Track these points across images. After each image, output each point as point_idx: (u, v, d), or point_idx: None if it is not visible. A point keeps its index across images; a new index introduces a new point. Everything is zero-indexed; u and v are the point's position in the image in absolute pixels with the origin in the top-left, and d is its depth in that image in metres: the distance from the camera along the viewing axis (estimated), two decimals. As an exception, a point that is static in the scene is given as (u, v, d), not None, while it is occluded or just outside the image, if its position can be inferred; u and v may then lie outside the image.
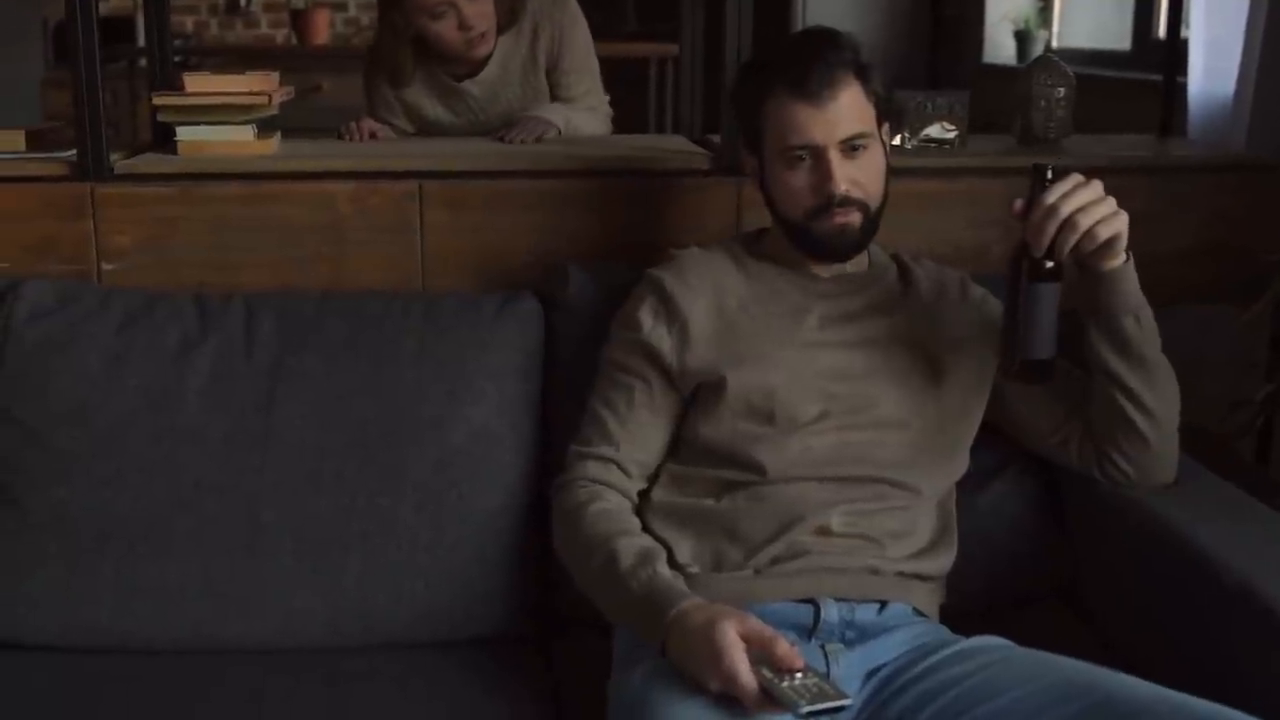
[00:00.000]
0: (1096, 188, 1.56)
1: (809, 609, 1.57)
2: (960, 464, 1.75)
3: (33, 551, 1.74)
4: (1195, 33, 3.06)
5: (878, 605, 1.60)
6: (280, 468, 1.77)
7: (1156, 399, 1.66)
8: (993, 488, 1.83)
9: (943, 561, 1.69)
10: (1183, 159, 2.38)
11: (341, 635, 1.75)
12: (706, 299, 1.73)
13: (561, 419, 1.84)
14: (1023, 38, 4.81)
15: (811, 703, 1.27)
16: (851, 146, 1.67)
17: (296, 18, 5.78)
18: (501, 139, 2.37)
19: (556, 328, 1.91)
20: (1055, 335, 1.59)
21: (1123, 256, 1.60)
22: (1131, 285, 1.63)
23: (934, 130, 2.26)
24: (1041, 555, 1.83)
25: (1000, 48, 4.97)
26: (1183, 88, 3.29)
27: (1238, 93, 3.11)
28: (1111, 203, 1.56)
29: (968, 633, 1.59)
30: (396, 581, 1.75)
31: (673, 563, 1.60)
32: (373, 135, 2.50)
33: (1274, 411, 2.17)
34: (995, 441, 1.81)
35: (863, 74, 1.70)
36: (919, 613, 1.63)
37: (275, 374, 1.82)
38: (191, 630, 1.74)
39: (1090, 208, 1.54)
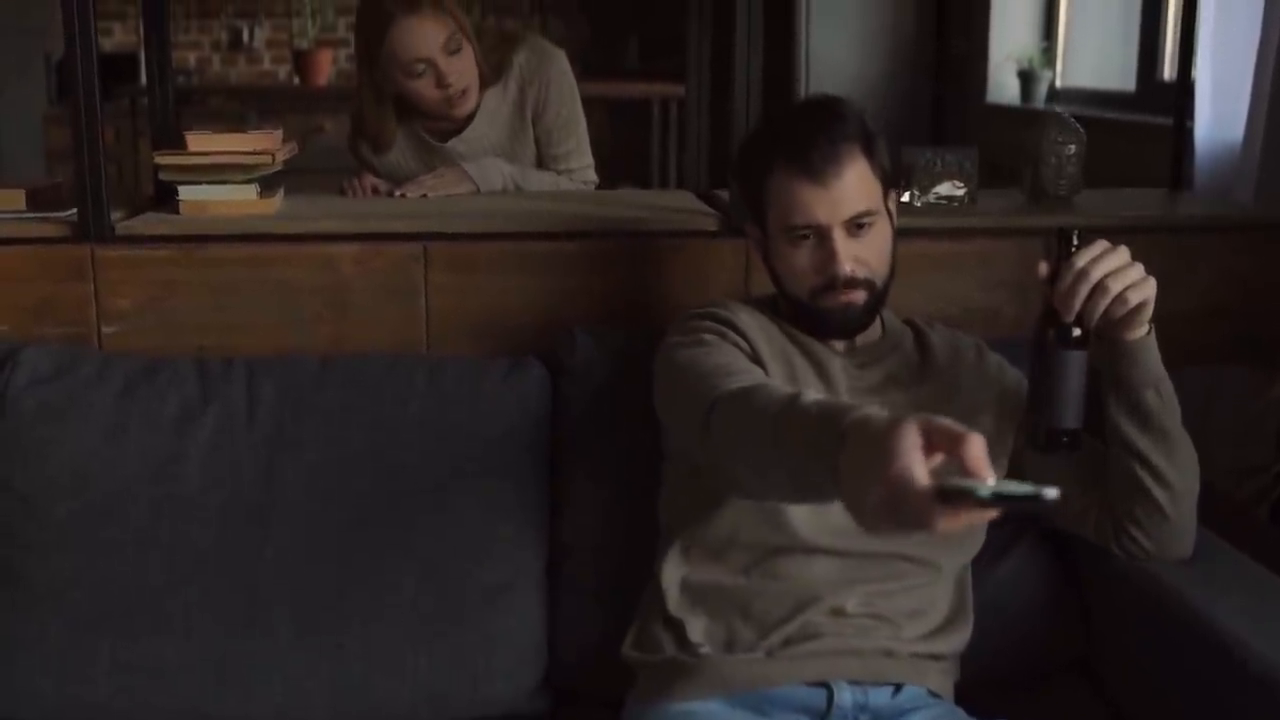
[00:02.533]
0: (1124, 253, 1.52)
1: (822, 692, 1.54)
2: (979, 537, 1.72)
3: (31, 625, 1.71)
4: (1202, 76, 3.04)
5: (892, 688, 1.57)
6: (280, 540, 1.75)
7: (1176, 472, 1.63)
8: (1007, 561, 1.80)
9: (958, 639, 1.66)
10: (1194, 218, 2.35)
11: (343, 715, 1.72)
12: (766, 344, 1.69)
13: (569, 488, 1.81)
14: (1027, 77, 4.80)
15: (1001, 486, 1.02)
16: (857, 225, 1.65)
17: (299, 58, 5.78)
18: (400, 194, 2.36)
19: (563, 394, 1.88)
20: (1083, 404, 1.56)
21: (1146, 327, 1.58)
22: (1153, 356, 1.60)
23: (944, 188, 2.24)
24: (1057, 629, 1.79)
25: (1004, 87, 4.96)
26: (1189, 132, 3.28)
27: (1246, 139, 3.09)
28: (1139, 268, 1.52)
29: (982, 711, 1.56)
30: (400, 659, 1.72)
31: (684, 641, 1.57)
32: (374, 190, 2.47)
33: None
34: (1010, 513, 1.77)
35: (868, 147, 1.67)
36: (934, 694, 1.60)
37: (276, 442, 1.80)
38: (190, 709, 1.71)
39: (1120, 272, 1.51)
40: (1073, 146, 2.30)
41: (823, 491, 1.18)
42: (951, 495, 1.02)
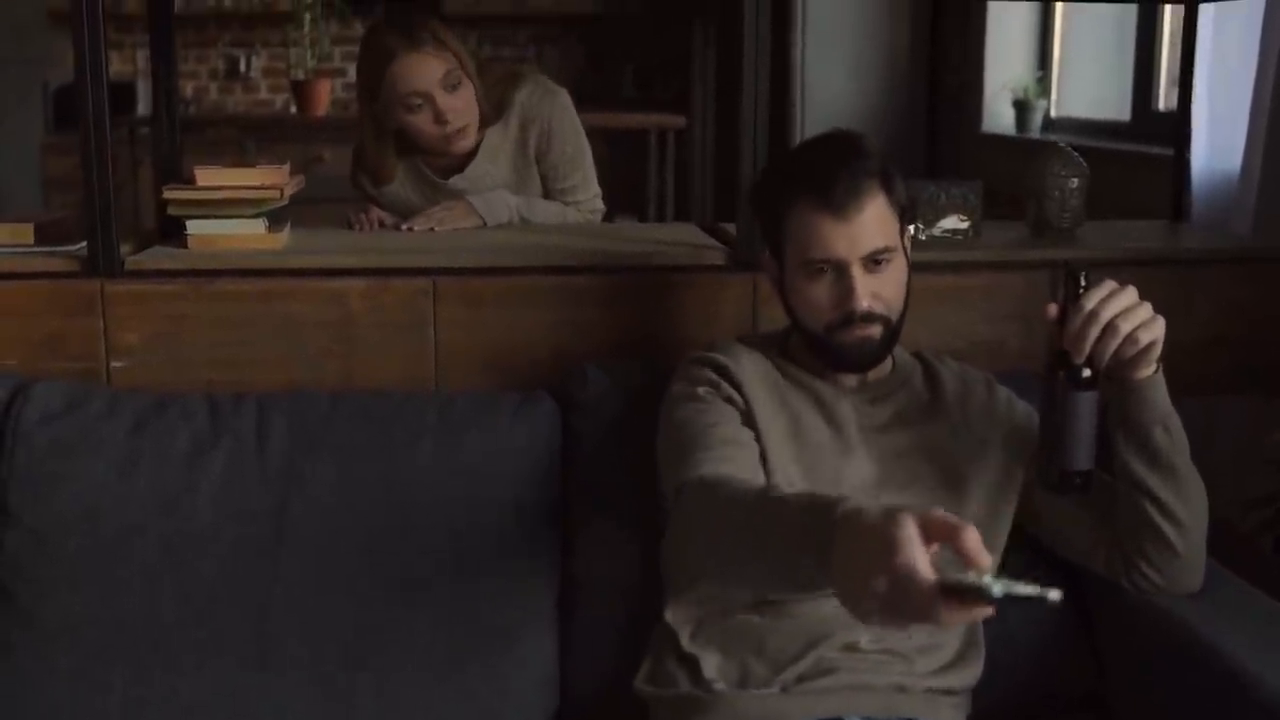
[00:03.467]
0: (1132, 293, 1.53)
1: (838, 729, 1.55)
2: (993, 570, 1.72)
3: (43, 662, 1.71)
4: (1198, 107, 3.06)
5: (906, 724, 1.57)
6: (292, 578, 1.75)
7: (1185, 508, 1.64)
8: (1017, 595, 1.79)
9: (970, 674, 1.67)
10: (1195, 250, 2.36)
11: (357, 753, 1.72)
12: (764, 395, 1.70)
13: (581, 525, 1.81)
14: (1022, 107, 4.83)
15: (1008, 586, 1.04)
16: (875, 261, 1.65)
17: (298, 88, 5.80)
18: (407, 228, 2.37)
19: (574, 429, 1.88)
20: (1095, 445, 1.56)
21: (1154, 365, 1.58)
22: (1161, 394, 1.61)
23: (948, 222, 2.26)
24: (1068, 664, 1.79)
25: (999, 116, 4.98)
26: (1187, 163, 3.30)
27: (1244, 170, 3.12)
28: (1148, 307, 1.53)
29: (994, 746, 1.57)
30: (413, 699, 1.72)
31: (699, 677, 1.57)
32: (380, 224, 2.48)
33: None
34: (1021, 546, 1.78)
35: (888, 184, 1.68)
36: (947, 729, 1.60)
37: (287, 479, 1.80)
38: (202, 747, 1.71)
39: (1129, 312, 1.52)
40: (1075, 180, 2.32)
41: (812, 583, 1.20)
42: (957, 590, 1.04)
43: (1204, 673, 1.58)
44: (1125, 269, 1.58)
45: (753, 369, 1.72)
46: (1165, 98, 4.18)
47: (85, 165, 1.98)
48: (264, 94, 6.31)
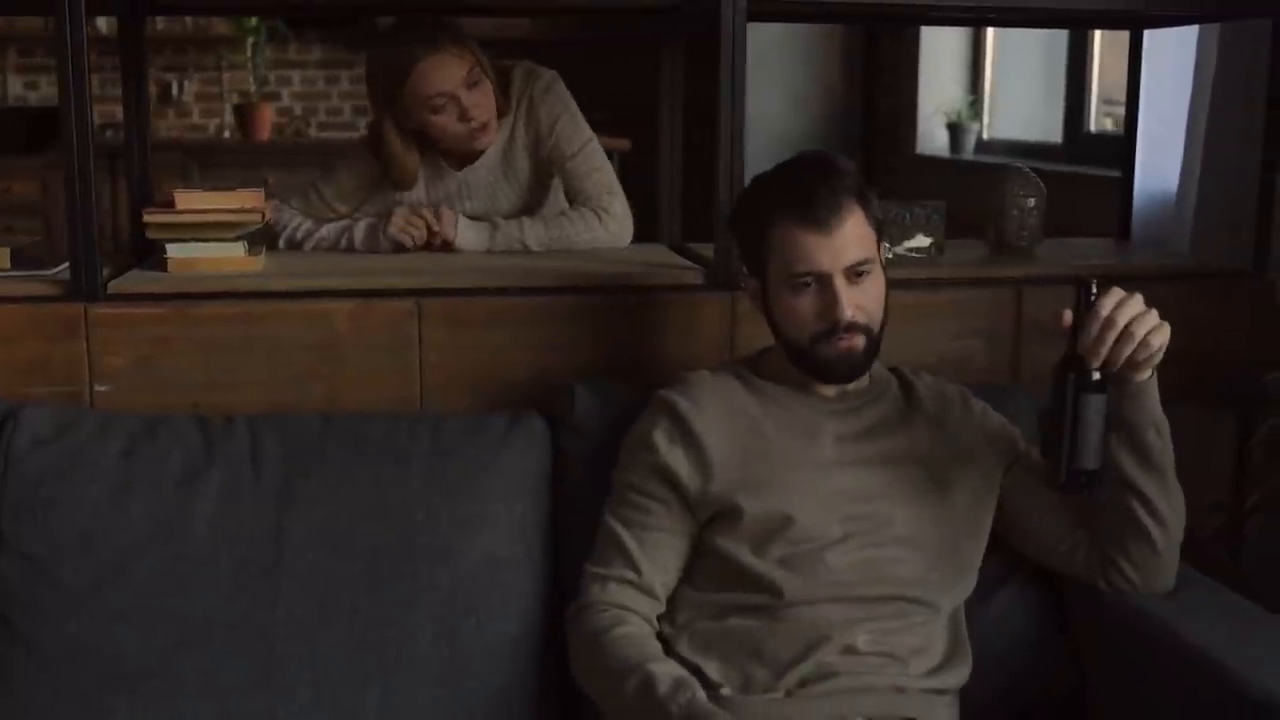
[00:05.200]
0: (1140, 300, 1.61)
1: (840, 729, 1.59)
2: (973, 577, 1.79)
3: (42, 690, 1.71)
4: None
5: (905, 723, 1.62)
6: (292, 599, 1.76)
7: (1170, 509, 1.72)
8: (998, 598, 1.86)
9: (959, 674, 1.72)
10: (1147, 267, 2.45)
11: (365, 771, 1.73)
12: (721, 422, 1.75)
13: (572, 542, 1.84)
14: (955, 129, 4.96)
15: None
16: (856, 273, 1.72)
17: (240, 112, 5.78)
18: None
19: (563, 448, 1.92)
20: (1103, 445, 1.64)
21: (1151, 370, 1.66)
22: (1154, 398, 1.68)
23: (913, 241, 2.33)
24: (1049, 664, 1.85)
25: (933, 139, 5.11)
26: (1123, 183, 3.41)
27: (1180, 191, 3.24)
28: (1155, 313, 1.62)
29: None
30: (419, 714, 1.74)
31: (705, 683, 1.61)
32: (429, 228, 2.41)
33: (1253, 515, 2.24)
34: (998, 552, 1.84)
35: (863, 200, 1.74)
36: (943, 729, 1.66)
37: (283, 500, 1.81)
38: (210, 767, 1.71)
39: (1141, 318, 1.60)
40: (1033, 200, 2.40)
41: None
42: None
43: (1188, 670, 1.64)
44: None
45: (715, 402, 1.77)
46: (1096, 120, 4.31)
47: (69, 190, 1.98)
48: (197, 118, 6.26)
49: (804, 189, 1.71)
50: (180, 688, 1.71)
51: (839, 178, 1.73)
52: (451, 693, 1.75)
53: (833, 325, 1.71)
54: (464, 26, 2.48)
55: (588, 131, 2.54)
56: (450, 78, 2.40)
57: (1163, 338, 1.61)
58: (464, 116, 2.43)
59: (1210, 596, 1.80)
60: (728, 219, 1.91)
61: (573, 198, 2.52)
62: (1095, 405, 1.62)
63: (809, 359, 1.75)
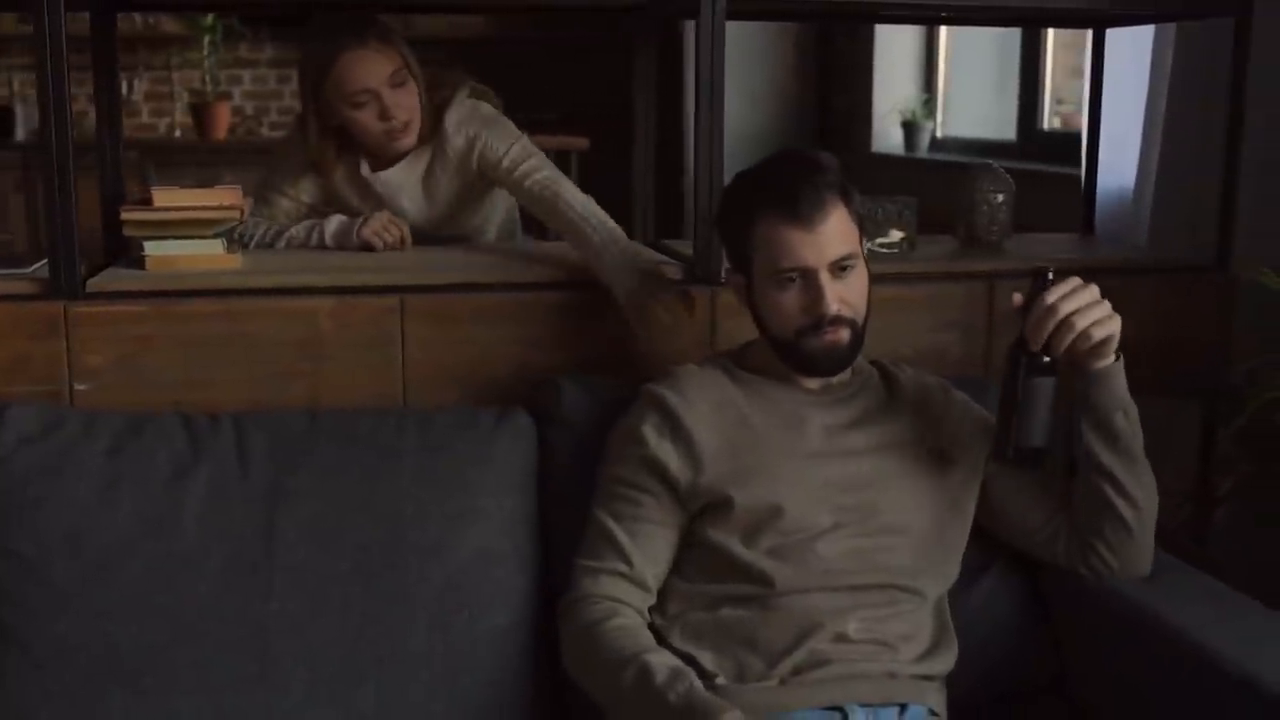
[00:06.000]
0: (1093, 291, 1.65)
1: (836, 716, 1.62)
2: (957, 565, 1.82)
3: (34, 690, 1.69)
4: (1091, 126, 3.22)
5: (898, 709, 1.65)
6: (284, 595, 1.76)
7: (1141, 490, 1.76)
8: (980, 586, 1.89)
9: (946, 660, 1.75)
10: (1112, 260, 2.50)
11: (361, 766, 1.73)
12: (709, 414, 1.77)
13: (560, 536, 1.86)
14: (910, 128, 5.01)
15: None
16: (840, 267, 1.74)
17: (197, 111, 5.73)
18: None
19: (550, 443, 1.93)
20: (1049, 426, 1.69)
21: (1112, 357, 1.70)
22: (1120, 382, 1.73)
23: (886, 236, 2.36)
24: (1030, 650, 1.89)
25: (888, 137, 5.16)
26: (1078, 180, 3.47)
27: (1137, 188, 3.30)
28: (1106, 306, 1.66)
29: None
30: (415, 709, 1.74)
31: (701, 672, 1.63)
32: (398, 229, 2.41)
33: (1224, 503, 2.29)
34: (979, 541, 1.87)
35: (846, 195, 1.77)
36: (933, 713, 1.69)
37: (272, 496, 1.81)
38: (206, 763, 1.71)
39: (1086, 310, 1.65)
40: (1002, 195, 2.44)
41: None
42: None
43: (1167, 651, 1.68)
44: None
45: (702, 396, 1.79)
46: (1049, 118, 4.38)
47: (48, 188, 1.98)
48: (146, 118, 6.20)
49: (788, 186, 1.74)
50: (175, 685, 1.71)
51: (822, 174, 1.76)
52: (446, 687, 1.76)
53: (818, 319, 1.74)
54: (418, 25, 2.45)
55: (515, 132, 2.50)
56: (374, 74, 2.39)
57: (1107, 330, 1.66)
58: (384, 115, 2.40)
59: (1187, 579, 1.85)
60: (714, 216, 1.93)
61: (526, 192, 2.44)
62: (1042, 386, 1.67)
63: (795, 353, 1.78)
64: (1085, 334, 1.65)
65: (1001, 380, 1.72)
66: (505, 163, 2.39)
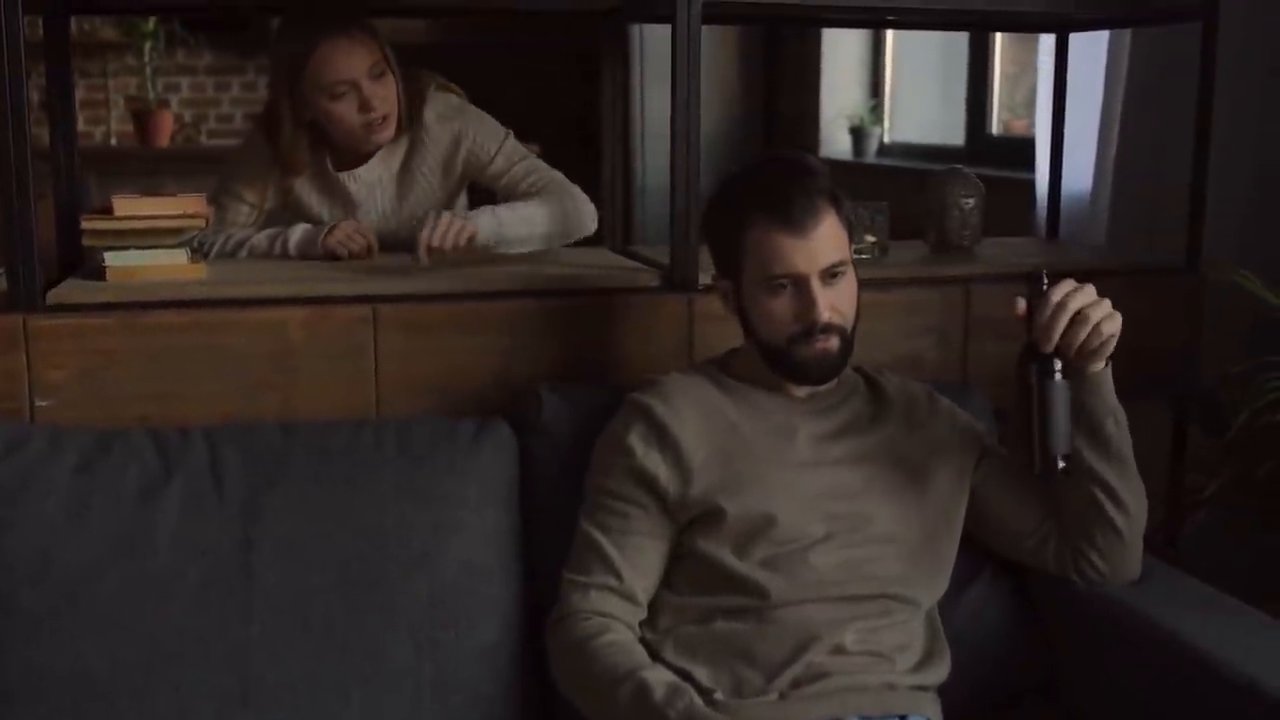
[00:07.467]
0: (1091, 290, 1.64)
1: (835, 728, 1.60)
2: (948, 574, 1.80)
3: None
4: (1042, 130, 3.24)
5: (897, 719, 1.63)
6: (265, 613, 1.71)
7: (1131, 496, 1.75)
8: (969, 595, 1.87)
9: (940, 671, 1.74)
10: (1082, 264, 2.51)
11: (348, 788, 1.69)
12: (697, 423, 1.74)
13: (544, 547, 1.82)
14: (858, 133, 5.02)
15: None
16: (831, 274, 1.72)
17: (139, 118, 5.62)
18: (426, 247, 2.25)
19: (531, 453, 1.89)
20: (1071, 431, 1.66)
21: (1105, 361, 1.69)
22: (1111, 388, 1.72)
23: (861, 241, 2.34)
24: (1022, 656, 1.88)
25: (835, 142, 5.17)
26: (1027, 185, 3.49)
27: (1094, 192, 3.32)
28: (1108, 303, 1.65)
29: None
30: (402, 728, 1.70)
31: (697, 688, 1.60)
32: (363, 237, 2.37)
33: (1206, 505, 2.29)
34: (968, 548, 1.86)
35: (836, 201, 1.75)
36: (931, 723, 1.67)
37: (248, 513, 1.76)
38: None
39: (1093, 305, 1.63)
40: (973, 200, 2.44)
41: None
42: None
43: (1159, 655, 1.68)
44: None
45: (689, 404, 1.76)
46: (998, 123, 4.40)
47: (5, 197, 1.91)
48: (82, 126, 6.07)
49: (780, 191, 1.71)
50: (154, 710, 1.65)
51: (813, 180, 1.73)
52: (436, 704, 1.72)
53: (809, 327, 1.72)
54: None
55: (500, 128, 2.49)
56: (355, 65, 2.35)
57: (1114, 326, 1.65)
58: (364, 107, 2.36)
59: (1176, 583, 1.84)
60: (701, 220, 1.90)
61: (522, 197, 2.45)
62: (1060, 391, 1.65)
63: (785, 360, 1.75)
64: (1097, 329, 1.64)
65: (1016, 394, 1.68)
66: (498, 162, 2.37)
